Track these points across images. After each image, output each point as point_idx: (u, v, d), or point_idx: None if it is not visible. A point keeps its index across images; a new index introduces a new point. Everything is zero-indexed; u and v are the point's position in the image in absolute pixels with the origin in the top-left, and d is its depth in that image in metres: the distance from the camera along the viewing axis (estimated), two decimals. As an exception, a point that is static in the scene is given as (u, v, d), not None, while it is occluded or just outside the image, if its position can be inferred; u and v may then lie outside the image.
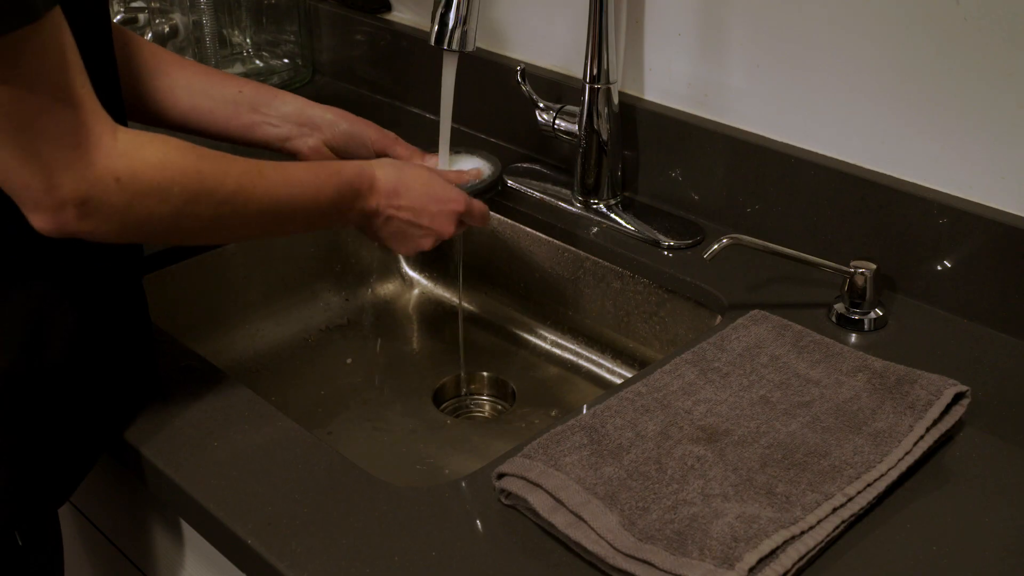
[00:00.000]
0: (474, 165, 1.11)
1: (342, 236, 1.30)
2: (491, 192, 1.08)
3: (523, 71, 1.23)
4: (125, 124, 0.90)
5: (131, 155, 0.74)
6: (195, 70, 1.02)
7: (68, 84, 0.70)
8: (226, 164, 0.81)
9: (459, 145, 1.13)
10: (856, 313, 1.00)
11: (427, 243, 0.98)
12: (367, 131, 1.07)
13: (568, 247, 1.20)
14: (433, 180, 0.98)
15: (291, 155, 1.06)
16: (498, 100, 1.34)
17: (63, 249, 0.79)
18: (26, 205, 0.72)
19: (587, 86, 1.16)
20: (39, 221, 0.73)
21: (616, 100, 1.17)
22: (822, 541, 0.74)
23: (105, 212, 0.73)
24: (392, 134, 1.09)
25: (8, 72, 0.67)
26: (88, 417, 0.86)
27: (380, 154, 1.07)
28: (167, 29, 1.54)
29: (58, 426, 0.83)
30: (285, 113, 1.04)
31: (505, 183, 1.26)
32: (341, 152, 1.06)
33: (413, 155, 1.08)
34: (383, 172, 0.94)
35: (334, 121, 1.06)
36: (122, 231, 0.76)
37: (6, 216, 0.75)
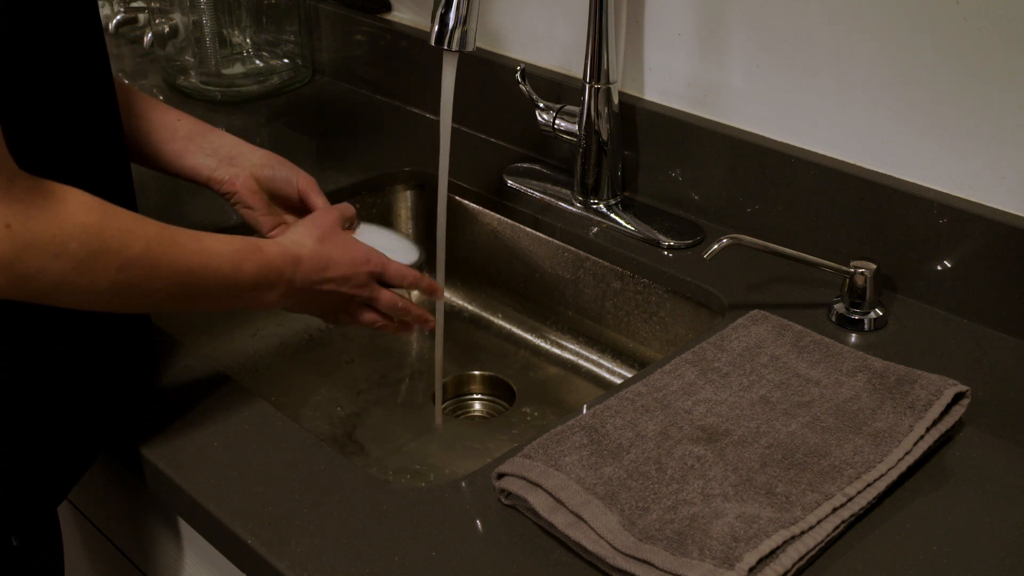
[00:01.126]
0: (386, 240, 1.05)
1: (342, 236, 1.30)
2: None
3: (523, 71, 1.23)
4: (125, 149, 0.89)
5: (27, 202, 0.69)
6: (139, 96, 1.01)
7: None
8: (136, 225, 0.76)
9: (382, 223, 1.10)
10: (856, 313, 1.00)
11: (355, 314, 0.96)
12: (293, 175, 1.04)
13: (568, 247, 1.20)
14: (351, 244, 0.95)
15: (217, 188, 1.03)
16: (498, 100, 1.34)
17: None
18: None
19: (587, 86, 1.16)
20: None
21: (616, 100, 1.17)
22: (822, 541, 0.74)
23: None
24: (314, 183, 1.05)
25: None
26: (88, 418, 0.86)
27: (302, 197, 1.04)
28: (167, 29, 1.55)
29: (59, 428, 0.83)
30: (216, 146, 1.03)
31: (506, 183, 1.27)
32: (264, 189, 1.04)
33: (331, 211, 1.02)
34: (307, 250, 0.91)
35: (262, 163, 1.03)
36: (9, 284, 0.69)
37: None
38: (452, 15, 1.01)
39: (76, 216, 0.71)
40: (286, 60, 1.57)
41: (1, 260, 0.68)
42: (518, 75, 1.23)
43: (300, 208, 1.05)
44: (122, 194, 0.86)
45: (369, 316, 0.97)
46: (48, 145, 0.77)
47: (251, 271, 0.85)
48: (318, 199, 1.04)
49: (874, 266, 1.00)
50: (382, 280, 0.97)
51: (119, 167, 0.88)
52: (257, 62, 1.57)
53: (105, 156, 0.78)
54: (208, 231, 0.83)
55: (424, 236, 1.34)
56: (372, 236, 1.03)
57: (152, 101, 1.02)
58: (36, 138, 0.75)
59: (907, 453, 0.81)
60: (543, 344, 1.25)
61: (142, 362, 0.94)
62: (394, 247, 1.03)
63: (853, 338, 0.99)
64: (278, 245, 0.89)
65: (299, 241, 0.91)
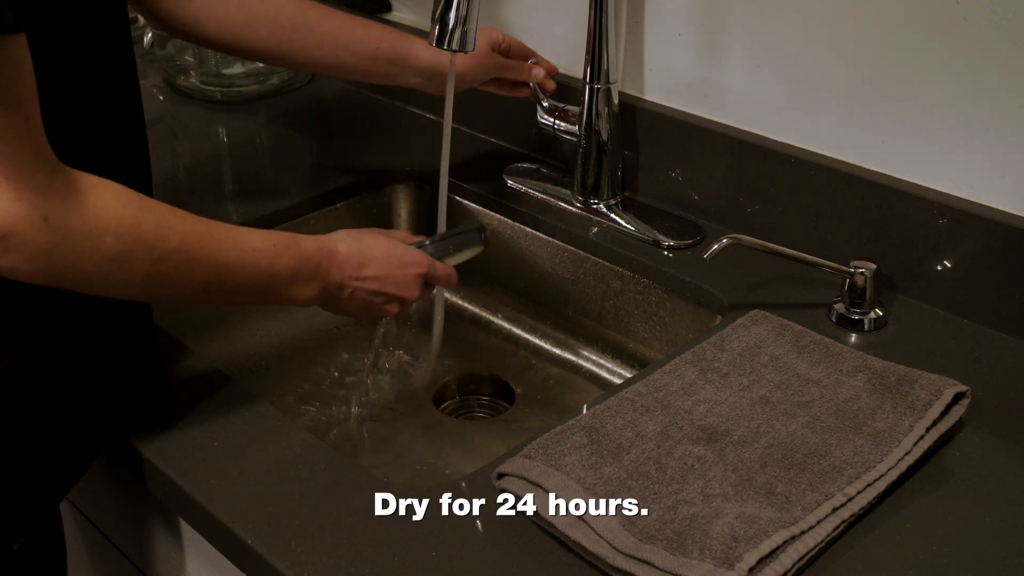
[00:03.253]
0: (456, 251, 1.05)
1: (342, 236, 1.30)
2: (466, 258, 1.05)
3: (535, 62, 1.21)
4: (148, 162, 0.89)
5: (65, 196, 0.71)
6: (339, 23, 1.10)
7: (16, 112, 0.68)
8: (173, 220, 0.78)
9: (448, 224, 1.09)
10: (856, 313, 1.00)
11: (393, 309, 0.96)
12: (483, 62, 1.14)
13: (568, 247, 1.20)
14: (394, 245, 0.96)
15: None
16: (498, 100, 1.34)
17: None
18: None
19: (587, 86, 1.16)
20: None
21: (616, 100, 1.17)
22: (822, 541, 0.74)
23: (28, 251, 0.70)
24: (500, 60, 1.17)
25: None
26: (90, 417, 0.86)
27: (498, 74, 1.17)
28: (167, 29, 1.54)
29: (61, 428, 0.83)
30: (418, 67, 1.12)
31: (506, 183, 1.27)
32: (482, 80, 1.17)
33: (521, 72, 1.19)
34: (344, 245, 0.92)
35: (463, 76, 1.12)
36: (46, 274, 0.72)
37: None
38: (452, 15, 1.01)
39: (112, 210, 0.73)
40: (286, 60, 1.57)
41: (38, 252, 0.70)
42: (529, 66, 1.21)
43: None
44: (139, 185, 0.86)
45: (404, 311, 0.98)
46: (69, 138, 0.77)
47: (287, 264, 0.86)
48: (516, 72, 1.19)
49: (874, 266, 1.00)
50: (429, 281, 0.98)
51: (137, 158, 0.88)
52: (257, 62, 1.57)
53: (124, 147, 0.79)
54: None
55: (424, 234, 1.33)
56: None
57: (355, 31, 1.11)
58: (60, 132, 0.75)
59: (907, 453, 0.81)
60: (543, 344, 1.25)
61: (143, 362, 0.94)
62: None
63: (853, 338, 0.99)
64: (315, 240, 0.91)
65: (338, 238, 0.93)
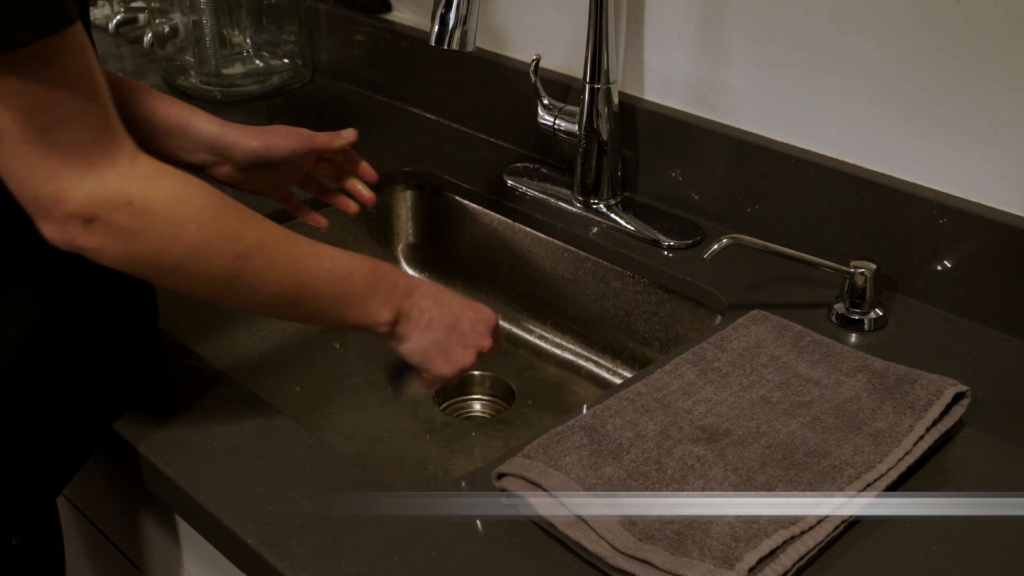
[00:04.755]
0: None
1: (343, 236, 1.30)
2: None
3: (537, 61, 1.21)
4: None
5: (148, 181, 0.72)
6: (114, 84, 0.94)
7: (91, 98, 0.69)
8: (251, 218, 0.78)
9: None
10: (856, 313, 1.00)
11: (470, 356, 0.90)
12: (283, 141, 0.99)
13: (568, 247, 1.20)
14: (461, 296, 0.93)
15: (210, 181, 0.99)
16: (498, 100, 1.34)
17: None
18: (36, 213, 0.71)
19: (587, 86, 1.16)
20: (47, 231, 0.71)
21: (616, 100, 1.17)
22: (822, 541, 0.74)
23: (113, 233, 0.71)
24: (308, 132, 1.01)
25: (34, 78, 0.66)
26: (90, 415, 0.86)
27: (303, 155, 1.01)
28: (167, 29, 1.55)
29: (60, 426, 0.83)
30: (198, 140, 0.97)
31: (506, 183, 1.27)
32: (258, 171, 1.00)
33: (334, 139, 1.02)
34: (417, 277, 0.89)
35: (244, 141, 0.97)
36: (129, 257, 0.73)
37: (17, 214, 0.75)
38: (452, 15, 1.01)
39: (195, 199, 0.74)
40: (286, 60, 1.57)
41: (122, 235, 0.71)
42: (532, 65, 1.20)
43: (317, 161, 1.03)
44: None
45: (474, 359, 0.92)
46: None
47: (365, 276, 0.84)
48: (324, 138, 1.01)
49: (874, 266, 1.00)
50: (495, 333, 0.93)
51: None
52: (257, 62, 1.57)
53: None
54: None
55: (424, 235, 1.34)
56: None
57: (131, 96, 0.95)
58: None
59: (907, 453, 0.81)
60: (543, 344, 1.25)
61: (144, 362, 0.94)
62: None
63: (853, 338, 0.99)
64: (390, 264, 0.89)
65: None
